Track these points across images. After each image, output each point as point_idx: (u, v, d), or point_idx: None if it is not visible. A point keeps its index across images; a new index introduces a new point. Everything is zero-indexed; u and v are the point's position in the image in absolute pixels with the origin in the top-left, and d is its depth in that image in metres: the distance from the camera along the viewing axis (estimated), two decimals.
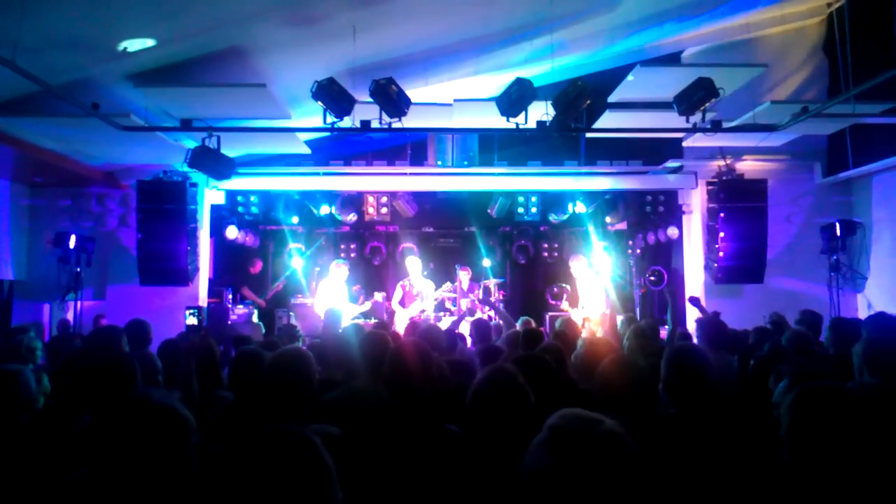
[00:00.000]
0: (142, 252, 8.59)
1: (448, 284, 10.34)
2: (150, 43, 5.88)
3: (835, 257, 8.96)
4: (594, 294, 9.42)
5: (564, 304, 10.20)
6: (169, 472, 1.64)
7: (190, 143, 7.62)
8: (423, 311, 9.77)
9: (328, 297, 9.41)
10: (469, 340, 6.55)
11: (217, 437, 2.06)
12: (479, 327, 5.91)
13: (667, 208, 10.02)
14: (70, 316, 8.75)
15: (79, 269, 8.78)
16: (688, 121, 6.65)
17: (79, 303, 8.80)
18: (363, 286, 11.45)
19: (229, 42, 6.29)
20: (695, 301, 6.85)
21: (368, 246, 11.90)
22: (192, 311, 5.02)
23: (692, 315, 9.15)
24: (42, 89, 5.60)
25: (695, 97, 6.33)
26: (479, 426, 2.41)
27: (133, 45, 5.84)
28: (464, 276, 10.38)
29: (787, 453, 2.08)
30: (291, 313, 10.44)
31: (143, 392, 1.80)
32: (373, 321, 9.78)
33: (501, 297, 10.80)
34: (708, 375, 3.03)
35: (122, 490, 1.65)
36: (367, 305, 10.07)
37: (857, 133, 8.54)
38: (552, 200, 10.55)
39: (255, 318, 10.06)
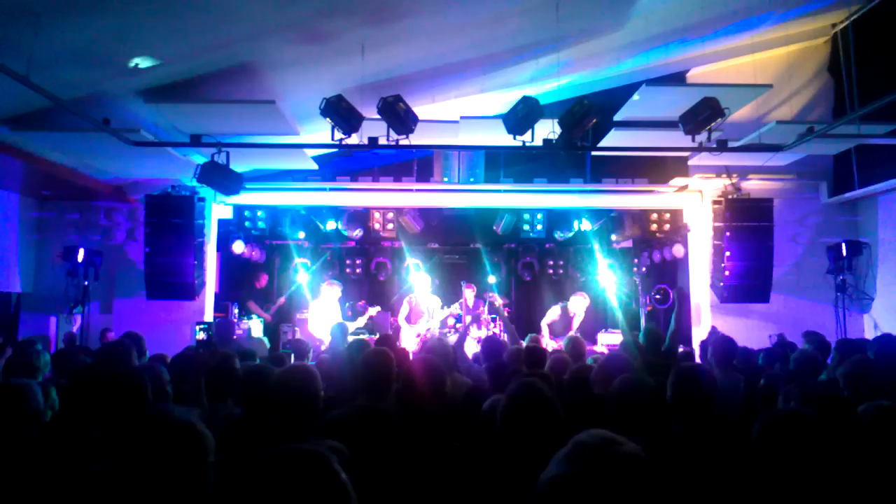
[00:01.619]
0: (149, 266, 8.62)
1: (456, 306, 10.35)
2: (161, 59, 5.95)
3: (841, 277, 8.95)
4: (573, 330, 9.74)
5: (544, 329, 10.25)
6: (185, 488, 1.65)
7: (199, 158, 7.68)
8: (428, 329, 9.76)
9: (320, 318, 9.39)
10: (473, 356, 6.55)
11: (227, 453, 2.07)
12: (490, 344, 5.88)
13: (672, 226, 10.04)
14: (76, 329, 8.79)
15: (86, 283, 8.84)
16: (693, 140, 6.68)
17: (85, 316, 8.84)
18: (368, 302, 11.46)
19: (239, 59, 6.35)
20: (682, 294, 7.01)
21: (374, 261, 11.93)
22: (202, 326, 5.04)
23: (697, 335, 9.17)
24: (53, 104, 5.66)
25: (700, 116, 6.35)
26: (508, 441, 2.42)
27: (144, 61, 5.90)
28: (469, 293, 10.41)
29: (756, 474, 2.10)
30: (297, 328, 10.45)
31: (164, 409, 1.81)
32: (377, 336, 9.78)
33: (506, 314, 10.81)
34: (712, 397, 3.04)
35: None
36: (363, 322, 9.97)
37: (863, 153, 8.56)
38: (557, 218, 10.57)
39: (260, 333, 10.06)
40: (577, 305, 10.28)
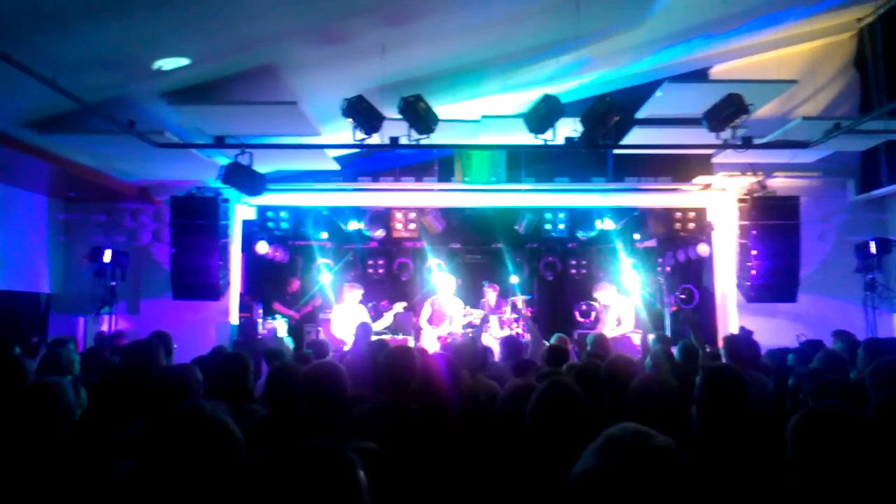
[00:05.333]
0: (175, 267, 8.70)
1: (480, 311, 10.33)
2: (184, 62, 6.01)
3: (870, 276, 8.79)
4: (625, 318, 9.48)
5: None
6: (213, 486, 1.65)
7: (222, 159, 7.75)
8: (450, 333, 9.73)
9: (343, 320, 9.43)
10: (496, 355, 6.54)
11: (253, 451, 2.08)
12: (510, 344, 5.88)
13: (697, 225, 9.92)
14: (105, 329, 8.91)
15: (113, 283, 8.96)
16: (718, 137, 6.61)
17: (113, 316, 8.97)
18: (391, 302, 11.46)
19: (261, 60, 6.41)
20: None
21: (396, 262, 11.94)
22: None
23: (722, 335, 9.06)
24: (79, 107, 5.75)
25: (725, 113, 6.29)
26: (539, 439, 2.41)
27: (168, 63, 5.97)
28: (491, 293, 10.38)
29: (794, 475, 2.05)
30: (320, 329, 10.50)
31: (196, 405, 1.81)
32: (400, 336, 9.79)
33: (529, 314, 10.77)
34: (745, 397, 2.98)
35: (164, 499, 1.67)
36: (389, 319, 9.97)
37: (892, 150, 8.40)
38: (580, 217, 10.51)
39: (284, 333, 10.12)
40: (605, 297, 9.93)
